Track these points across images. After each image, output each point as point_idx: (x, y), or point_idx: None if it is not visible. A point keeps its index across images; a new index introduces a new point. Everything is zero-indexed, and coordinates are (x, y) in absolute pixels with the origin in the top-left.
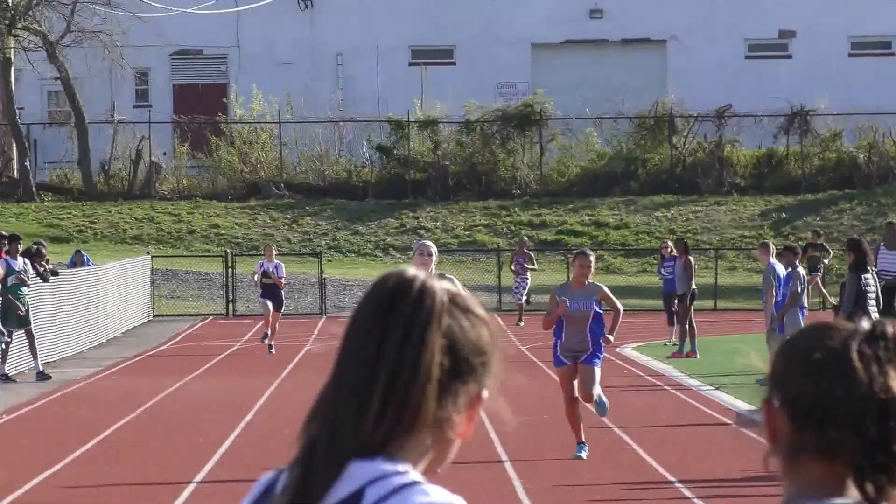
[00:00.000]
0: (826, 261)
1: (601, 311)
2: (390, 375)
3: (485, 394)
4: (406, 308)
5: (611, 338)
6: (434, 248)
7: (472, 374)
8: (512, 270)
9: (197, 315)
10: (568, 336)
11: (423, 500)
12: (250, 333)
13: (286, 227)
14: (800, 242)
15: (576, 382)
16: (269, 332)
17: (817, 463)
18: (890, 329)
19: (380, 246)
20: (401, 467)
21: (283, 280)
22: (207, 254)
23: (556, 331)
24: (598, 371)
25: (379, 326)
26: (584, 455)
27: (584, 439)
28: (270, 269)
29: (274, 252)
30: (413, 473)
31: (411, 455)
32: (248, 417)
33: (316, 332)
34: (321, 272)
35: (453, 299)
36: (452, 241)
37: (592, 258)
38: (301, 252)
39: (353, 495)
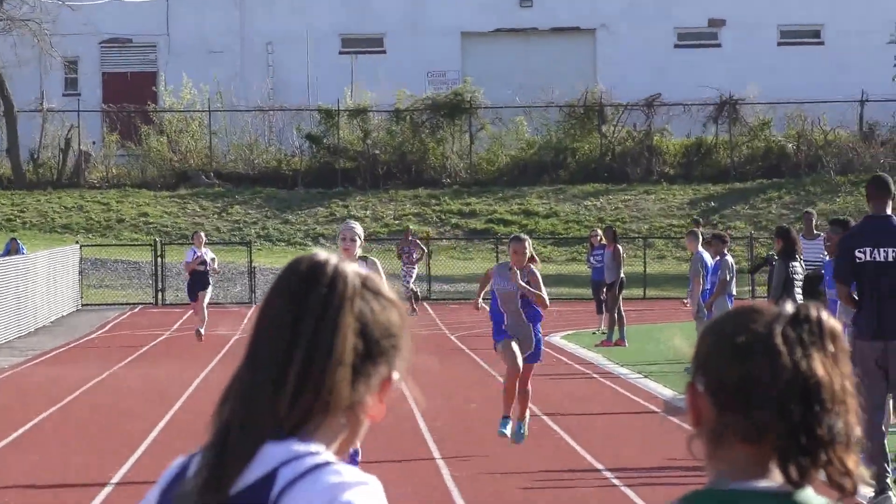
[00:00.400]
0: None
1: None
2: (305, 359)
3: (395, 375)
4: (320, 292)
5: (521, 283)
6: (359, 231)
7: (382, 356)
8: (399, 257)
9: (126, 304)
10: (508, 321)
11: (335, 480)
12: (179, 322)
13: (216, 215)
14: (729, 232)
15: (518, 359)
16: (203, 319)
17: (741, 446)
18: (814, 312)
19: (309, 235)
20: (314, 448)
21: (212, 268)
22: (136, 243)
23: (495, 314)
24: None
25: (293, 310)
26: (507, 431)
27: (510, 415)
28: (200, 257)
29: (203, 239)
30: (326, 454)
31: (324, 436)
32: (176, 406)
33: (245, 322)
34: (250, 261)
35: (364, 282)
36: (382, 229)
37: (527, 243)
38: (230, 241)
39: (266, 477)
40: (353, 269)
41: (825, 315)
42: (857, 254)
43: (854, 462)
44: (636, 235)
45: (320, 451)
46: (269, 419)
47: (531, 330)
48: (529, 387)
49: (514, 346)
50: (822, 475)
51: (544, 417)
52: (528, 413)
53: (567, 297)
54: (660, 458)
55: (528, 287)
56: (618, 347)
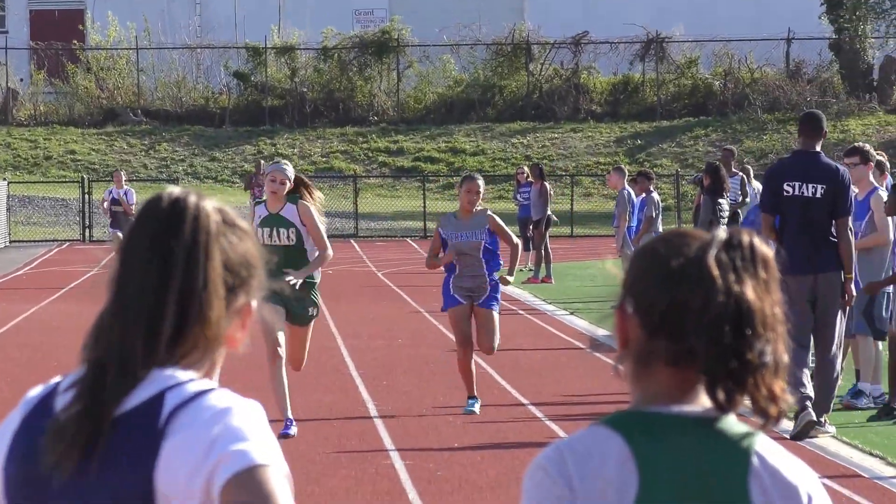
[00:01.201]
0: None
1: (491, 247)
2: (179, 294)
3: (253, 304)
4: (186, 228)
5: (510, 279)
6: (290, 173)
7: (242, 286)
8: (250, 194)
9: (53, 241)
10: (461, 270)
11: (222, 405)
12: (107, 259)
13: (143, 153)
14: (655, 170)
15: (473, 329)
16: None
17: (667, 370)
18: (746, 238)
19: (237, 172)
20: (193, 375)
21: (132, 207)
22: (64, 180)
23: (447, 266)
24: (496, 318)
25: (160, 249)
26: (476, 409)
27: (476, 393)
28: (120, 196)
29: (123, 178)
30: (206, 381)
31: (198, 366)
32: None
33: None
34: None
35: (223, 215)
36: (310, 167)
37: (481, 182)
38: (158, 178)
39: (152, 399)
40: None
41: (757, 241)
42: (786, 187)
43: (781, 388)
44: (563, 173)
45: (200, 379)
46: (147, 356)
47: (486, 278)
48: (496, 342)
49: (466, 318)
50: (747, 401)
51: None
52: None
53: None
54: (584, 393)
55: (511, 268)
56: (544, 284)
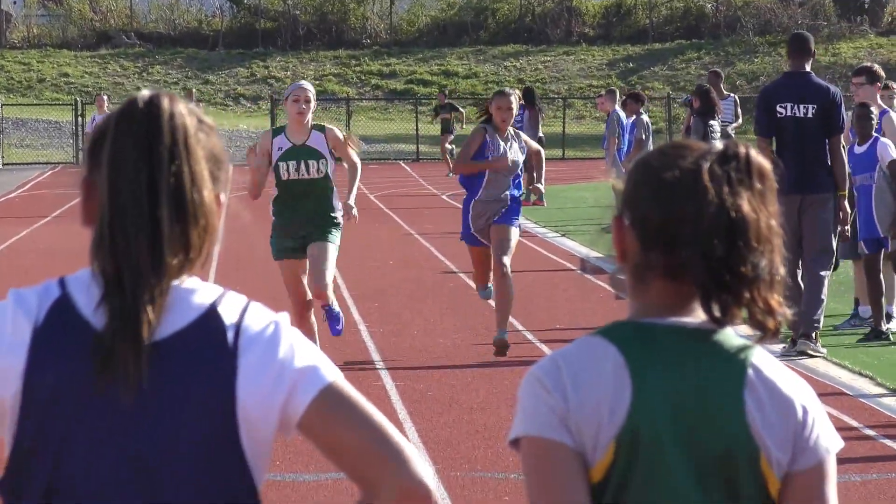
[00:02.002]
0: (459, 122)
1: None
2: (172, 193)
3: (223, 198)
4: (165, 127)
5: (541, 187)
6: (312, 92)
7: (215, 182)
8: None
9: (46, 163)
10: (487, 190)
11: (273, 319)
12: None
13: (136, 76)
14: (647, 93)
15: (488, 273)
16: None
17: (663, 282)
18: (742, 150)
19: (230, 95)
20: (212, 285)
21: None
22: (58, 103)
23: (468, 181)
24: (515, 234)
25: (144, 151)
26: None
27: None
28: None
29: (105, 102)
30: (231, 292)
31: (197, 270)
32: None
33: None
34: None
35: (195, 112)
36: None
37: (513, 98)
38: None
39: (208, 315)
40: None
41: (753, 152)
42: (779, 109)
43: (777, 301)
44: (556, 96)
45: (218, 287)
46: (157, 266)
47: (509, 199)
48: (508, 268)
49: (487, 256)
50: (744, 314)
51: (462, 275)
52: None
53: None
54: (575, 314)
55: (542, 179)
56: (536, 207)
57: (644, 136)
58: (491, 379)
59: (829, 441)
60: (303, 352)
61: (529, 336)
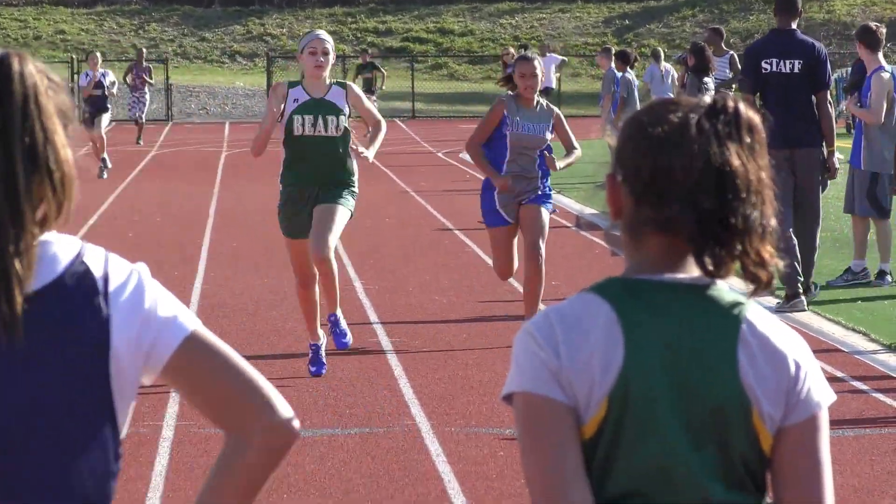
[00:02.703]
0: (380, 82)
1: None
2: (27, 154)
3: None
4: (15, 86)
5: (560, 165)
6: (330, 44)
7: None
8: (126, 83)
9: None
10: (510, 165)
11: (135, 268)
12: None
13: (132, 33)
14: (642, 50)
15: (513, 257)
16: (103, 147)
17: (658, 238)
18: (731, 103)
19: (226, 53)
20: (73, 238)
21: (114, 89)
22: (54, 60)
23: (492, 156)
24: (547, 216)
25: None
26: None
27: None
28: (98, 80)
29: (99, 60)
30: (90, 244)
31: (61, 224)
32: (91, 220)
33: (162, 138)
34: (167, 78)
35: (42, 69)
36: (297, 47)
37: (538, 64)
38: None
39: (75, 263)
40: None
41: (742, 106)
42: (764, 65)
43: (769, 253)
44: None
45: (76, 238)
46: (14, 216)
47: (539, 180)
48: (542, 253)
49: (511, 237)
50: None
51: (457, 232)
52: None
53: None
54: (570, 270)
55: (567, 164)
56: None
57: (626, 95)
58: (486, 335)
59: (821, 395)
60: (166, 301)
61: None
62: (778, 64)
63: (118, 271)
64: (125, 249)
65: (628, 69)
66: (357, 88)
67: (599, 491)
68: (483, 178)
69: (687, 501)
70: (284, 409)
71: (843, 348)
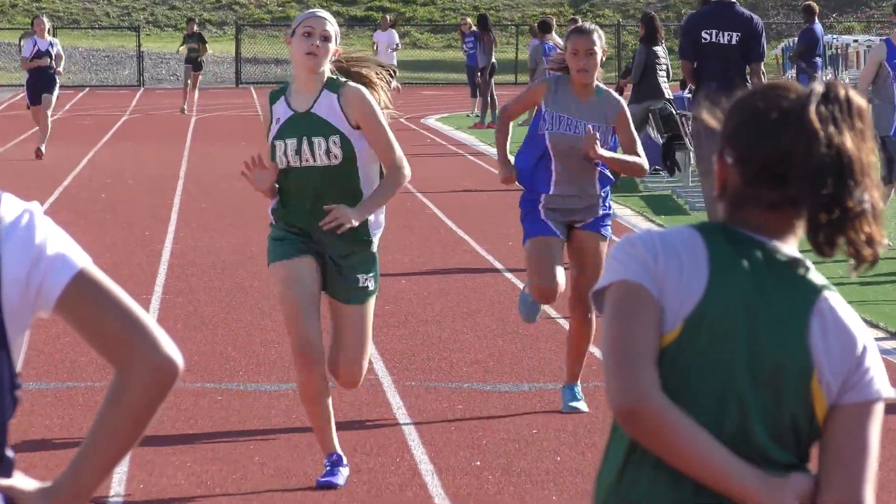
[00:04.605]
0: (204, 56)
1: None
2: None
3: None
4: None
5: (604, 152)
6: (333, 27)
7: None
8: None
9: (20, 85)
10: (559, 184)
11: (26, 207)
12: (70, 104)
13: (105, 1)
14: (597, 20)
15: (558, 273)
16: (45, 131)
17: (764, 214)
18: (842, 91)
19: (196, 21)
20: None
21: (60, 67)
22: (29, 27)
23: (528, 173)
24: (604, 252)
25: None
26: (579, 404)
27: (574, 378)
28: (44, 49)
29: (46, 26)
30: None
31: None
32: (65, 182)
33: (134, 104)
34: (139, 46)
35: None
36: (265, 16)
37: (597, 38)
38: (120, 26)
39: None
40: None
41: (853, 93)
42: (704, 35)
43: (879, 232)
44: (508, 23)
45: None
46: None
47: (597, 193)
48: (591, 310)
49: (557, 251)
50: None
51: (419, 195)
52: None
53: (444, 82)
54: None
55: (615, 157)
56: (490, 129)
57: (535, 66)
58: (446, 294)
59: (882, 385)
60: (57, 239)
61: (482, 252)
62: (717, 35)
63: (10, 210)
64: (98, 210)
65: (548, 39)
66: (367, 97)
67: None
68: (521, 201)
69: (732, 434)
70: (168, 347)
71: None
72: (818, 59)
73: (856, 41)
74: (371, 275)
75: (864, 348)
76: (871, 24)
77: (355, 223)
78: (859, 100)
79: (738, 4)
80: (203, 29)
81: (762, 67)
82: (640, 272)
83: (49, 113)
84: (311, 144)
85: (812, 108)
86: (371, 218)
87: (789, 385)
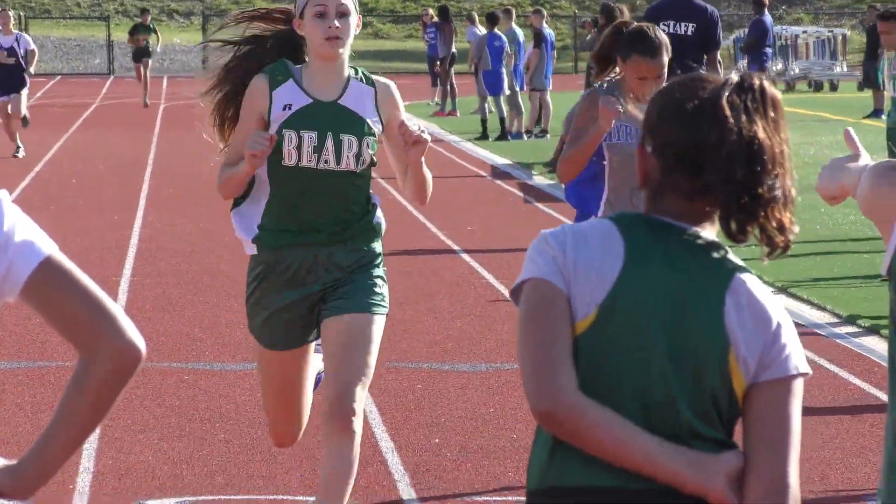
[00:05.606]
0: (157, 46)
1: None
2: None
3: None
4: None
5: (634, 109)
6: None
7: None
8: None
9: None
10: (618, 195)
11: None
12: (42, 91)
13: None
14: (554, 11)
15: None
16: (14, 133)
17: (682, 202)
18: (756, 81)
19: (164, 11)
20: None
21: (31, 67)
22: None
23: (579, 188)
24: None
25: None
26: None
27: None
28: (8, 46)
29: (11, 19)
30: None
31: None
32: (37, 168)
33: (104, 91)
34: (109, 35)
35: None
36: (232, 6)
37: (665, 53)
38: (90, 16)
39: None
40: None
41: (767, 83)
42: (662, 26)
43: (790, 220)
44: (466, 13)
45: None
46: None
47: None
48: None
49: None
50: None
51: (381, 180)
52: None
53: (405, 71)
54: (485, 216)
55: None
56: (450, 117)
57: (511, 51)
58: (409, 276)
59: (798, 362)
60: (23, 226)
61: (442, 237)
62: (674, 26)
63: None
64: (69, 195)
65: (496, 29)
66: (396, 91)
67: (582, 387)
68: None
69: (660, 413)
70: (132, 333)
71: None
72: (768, 50)
73: (804, 32)
74: (381, 288)
75: (779, 325)
76: (820, 16)
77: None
78: (773, 90)
79: None
80: (171, 19)
81: (718, 56)
82: (549, 268)
83: (23, 107)
84: (338, 142)
85: (725, 98)
86: (379, 223)
87: (708, 363)
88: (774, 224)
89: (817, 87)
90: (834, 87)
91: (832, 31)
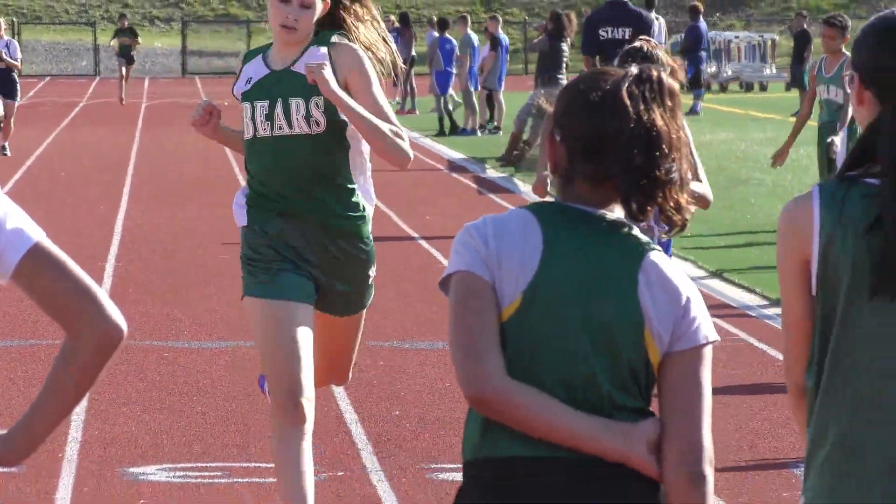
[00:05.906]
0: (136, 50)
1: None
2: None
3: None
4: None
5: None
6: None
7: None
8: None
9: None
10: None
11: None
12: (33, 91)
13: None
14: (506, 17)
15: None
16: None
17: (589, 187)
18: (654, 72)
19: (146, 17)
20: None
21: (18, 63)
22: None
23: None
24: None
25: None
26: None
27: None
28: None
29: (3, 26)
30: None
31: None
32: (29, 162)
33: (91, 91)
34: (95, 39)
35: None
36: (209, 13)
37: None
38: (77, 21)
39: None
40: None
41: (664, 75)
42: (601, 32)
43: (686, 200)
44: (426, 20)
45: None
46: None
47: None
48: None
49: None
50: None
51: None
52: None
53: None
54: (441, 207)
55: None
56: (410, 115)
57: (469, 53)
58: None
59: (708, 332)
60: (14, 215)
61: (405, 227)
62: (613, 31)
63: None
64: (58, 188)
65: (446, 34)
66: (362, 55)
67: (509, 370)
68: None
69: (582, 388)
70: (115, 314)
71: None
72: (703, 54)
73: (737, 37)
74: (369, 271)
75: (688, 299)
76: (751, 22)
77: (330, 83)
78: (670, 81)
79: (630, 4)
80: (152, 25)
81: None
82: (473, 260)
83: (13, 111)
84: (286, 107)
85: (624, 89)
86: (360, 194)
87: (624, 338)
88: (672, 204)
89: (748, 87)
90: (763, 88)
91: (762, 37)
